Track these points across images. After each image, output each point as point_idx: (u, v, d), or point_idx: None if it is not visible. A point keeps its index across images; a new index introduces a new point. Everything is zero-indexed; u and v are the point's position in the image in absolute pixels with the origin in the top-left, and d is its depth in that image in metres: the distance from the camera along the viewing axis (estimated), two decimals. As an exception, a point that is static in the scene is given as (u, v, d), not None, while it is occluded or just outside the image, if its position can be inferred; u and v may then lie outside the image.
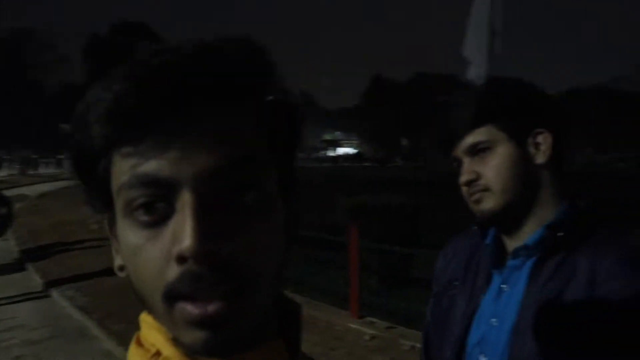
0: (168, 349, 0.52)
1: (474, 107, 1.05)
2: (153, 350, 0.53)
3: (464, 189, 1.05)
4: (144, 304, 0.51)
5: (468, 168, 1.04)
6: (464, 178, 1.04)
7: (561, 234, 0.96)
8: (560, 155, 1.03)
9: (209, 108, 0.47)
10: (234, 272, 0.46)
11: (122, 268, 0.53)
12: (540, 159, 1.01)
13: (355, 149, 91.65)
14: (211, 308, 0.46)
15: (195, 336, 0.47)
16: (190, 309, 0.46)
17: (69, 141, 0.51)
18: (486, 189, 1.01)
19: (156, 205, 0.47)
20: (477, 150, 1.03)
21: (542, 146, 1.02)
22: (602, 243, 0.93)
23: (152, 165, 0.47)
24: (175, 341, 0.51)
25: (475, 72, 4.69)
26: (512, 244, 1.04)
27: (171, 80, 0.46)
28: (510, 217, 1.02)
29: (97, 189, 0.52)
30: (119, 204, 0.50)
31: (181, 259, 0.45)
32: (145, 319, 0.55)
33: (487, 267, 1.08)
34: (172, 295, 0.47)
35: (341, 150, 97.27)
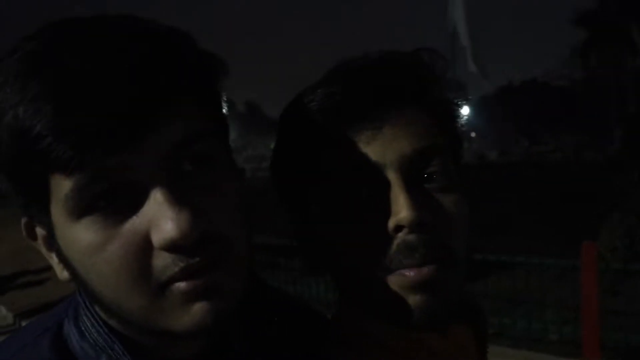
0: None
1: None
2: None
3: None
4: (356, 284, 0.57)
5: None
6: None
7: None
8: None
9: (402, 107, 0.57)
10: (439, 242, 0.53)
11: None
12: None
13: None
14: (425, 271, 0.52)
15: (413, 300, 0.53)
16: (407, 273, 0.53)
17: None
18: None
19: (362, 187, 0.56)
20: None
21: None
22: None
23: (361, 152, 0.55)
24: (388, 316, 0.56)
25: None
26: None
27: (372, 84, 0.56)
28: None
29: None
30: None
31: (398, 229, 0.52)
32: None
33: None
34: (388, 266, 0.53)
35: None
